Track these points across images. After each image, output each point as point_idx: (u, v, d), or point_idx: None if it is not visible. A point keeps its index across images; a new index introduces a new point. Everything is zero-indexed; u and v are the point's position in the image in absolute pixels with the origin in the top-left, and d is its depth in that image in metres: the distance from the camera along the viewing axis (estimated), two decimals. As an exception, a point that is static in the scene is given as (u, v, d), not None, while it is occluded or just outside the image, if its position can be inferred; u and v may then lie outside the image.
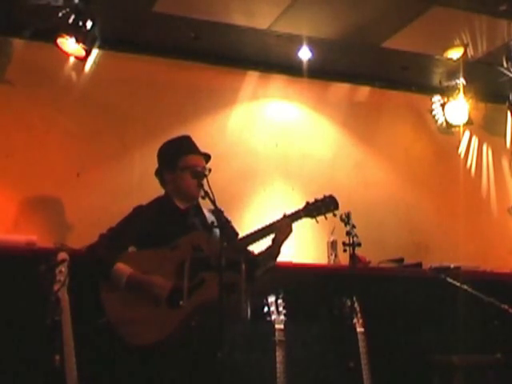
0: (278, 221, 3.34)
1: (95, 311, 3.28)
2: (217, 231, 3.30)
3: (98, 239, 3.31)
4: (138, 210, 3.39)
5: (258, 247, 3.47)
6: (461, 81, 5.45)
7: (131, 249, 3.35)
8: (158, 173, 3.51)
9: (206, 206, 3.47)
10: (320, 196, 3.41)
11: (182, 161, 3.40)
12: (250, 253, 3.45)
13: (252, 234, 3.29)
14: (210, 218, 3.42)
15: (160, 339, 3.03)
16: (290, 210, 3.45)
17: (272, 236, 3.36)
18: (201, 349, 3.08)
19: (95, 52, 4.73)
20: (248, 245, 3.33)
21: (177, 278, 3.13)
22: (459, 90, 5.47)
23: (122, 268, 3.16)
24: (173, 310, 3.08)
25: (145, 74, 4.98)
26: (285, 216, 3.34)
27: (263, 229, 3.32)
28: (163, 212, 3.37)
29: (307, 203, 3.38)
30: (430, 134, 5.89)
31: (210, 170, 3.41)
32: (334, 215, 3.42)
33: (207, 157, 3.51)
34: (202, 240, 3.21)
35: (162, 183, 3.50)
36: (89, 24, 4.33)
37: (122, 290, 3.13)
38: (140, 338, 3.05)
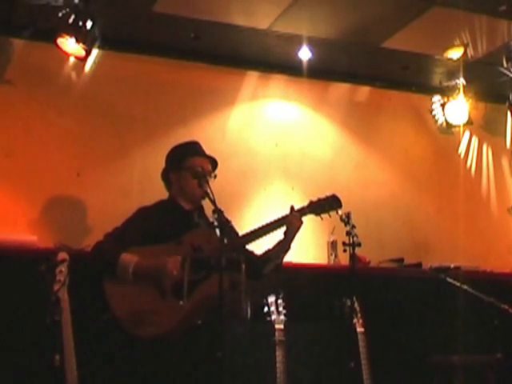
0: (288, 214, 3.36)
1: (95, 311, 3.28)
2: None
3: (103, 238, 3.31)
4: (142, 211, 3.40)
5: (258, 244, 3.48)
6: (461, 81, 5.44)
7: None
8: (164, 175, 3.51)
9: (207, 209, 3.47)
10: (323, 196, 3.43)
11: (187, 161, 3.42)
12: (251, 252, 3.46)
13: (261, 228, 3.30)
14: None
15: (165, 331, 3.04)
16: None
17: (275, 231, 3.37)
18: (205, 348, 3.08)
19: (95, 52, 4.73)
20: (255, 239, 3.34)
21: (182, 274, 3.12)
22: (459, 89, 5.47)
23: (128, 257, 3.15)
24: (178, 303, 3.07)
25: (145, 74, 4.98)
26: (293, 209, 3.36)
27: (273, 222, 3.33)
28: (167, 212, 3.37)
29: (311, 201, 3.41)
30: (430, 134, 5.88)
31: (215, 176, 3.43)
32: (337, 213, 3.45)
33: (214, 162, 3.52)
34: (204, 238, 3.21)
35: (167, 185, 3.50)
36: (89, 24, 4.32)
37: (128, 279, 3.11)
38: (145, 330, 3.05)
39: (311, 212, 3.43)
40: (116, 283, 3.16)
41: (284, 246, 3.39)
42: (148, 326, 3.06)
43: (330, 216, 3.44)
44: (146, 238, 3.28)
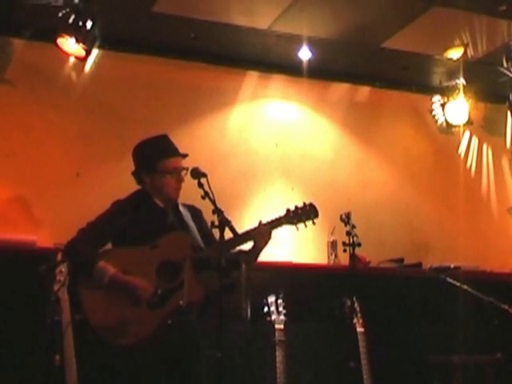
0: (256, 228, 3.26)
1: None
2: (194, 231, 3.31)
3: (77, 234, 3.25)
4: (117, 206, 3.33)
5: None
6: (461, 81, 5.45)
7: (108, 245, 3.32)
8: (136, 173, 3.45)
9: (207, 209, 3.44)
10: (300, 204, 3.34)
11: (161, 164, 3.34)
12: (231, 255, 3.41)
13: (230, 240, 3.21)
14: (186, 214, 3.40)
15: (140, 339, 3.02)
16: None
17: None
18: (178, 346, 3.09)
19: (95, 52, 4.73)
20: (228, 250, 3.27)
21: (157, 278, 3.11)
22: (459, 89, 5.47)
23: (105, 267, 3.11)
24: (153, 311, 3.06)
25: (145, 74, 4.98)
26: (261, 223, 3.29)
27: (242, 235, 3.25)
28: (143, 209, 3.32)
29: (288, 210, 3.31)
30: (429, 134, 5.89)
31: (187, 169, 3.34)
32: (313, 223, 3.35)
33: (185, 156, 3.44)
34: (178, 243, 3.19)
35: (140, 183, 3.44)
36: (89, 24, 4.33)
37: (102, 288, 3.08)
38: (120, 338, 3.02)
39: (288, 222, 3.27)
40: (89, 287, 3.11)
41: (250, 258, 3.31)
42: (126, 335, 3.03)
43: (305, 226, 3.29)
44: (121, 233, 3.24)
